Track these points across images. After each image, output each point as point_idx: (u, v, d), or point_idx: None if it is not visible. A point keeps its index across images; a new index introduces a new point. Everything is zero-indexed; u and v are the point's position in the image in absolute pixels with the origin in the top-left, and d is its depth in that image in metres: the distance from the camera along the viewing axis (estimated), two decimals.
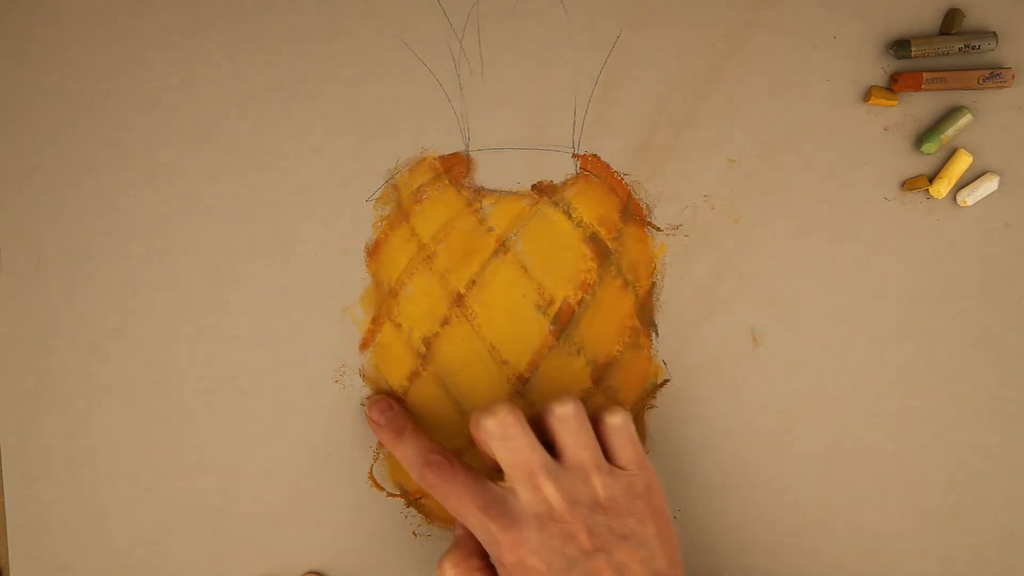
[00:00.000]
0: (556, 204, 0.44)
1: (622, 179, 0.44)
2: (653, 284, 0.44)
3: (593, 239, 0.44)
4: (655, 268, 0.44)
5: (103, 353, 0.44)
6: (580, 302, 0.44)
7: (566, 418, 0.39)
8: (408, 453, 0.41)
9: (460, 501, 0.38)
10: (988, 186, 0.44)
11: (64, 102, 0.44)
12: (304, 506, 0.45)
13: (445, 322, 0.44)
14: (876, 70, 0.44)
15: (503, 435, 0.38)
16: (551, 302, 0.44)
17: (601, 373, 0.44)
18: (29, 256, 0.44)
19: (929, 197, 0.44)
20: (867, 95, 0.44)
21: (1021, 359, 0.45)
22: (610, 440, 0.40)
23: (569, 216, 0.44)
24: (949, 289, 0.44)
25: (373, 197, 0.44)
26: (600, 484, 0.38)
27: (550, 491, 0.38)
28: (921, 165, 0.44)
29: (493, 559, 0.38)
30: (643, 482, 0.39)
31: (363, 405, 0.44)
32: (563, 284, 0.44)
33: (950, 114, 0.44)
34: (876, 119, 0.44)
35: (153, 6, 0.44)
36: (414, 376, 0.44)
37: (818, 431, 0.45)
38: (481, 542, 0.38)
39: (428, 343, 0.44)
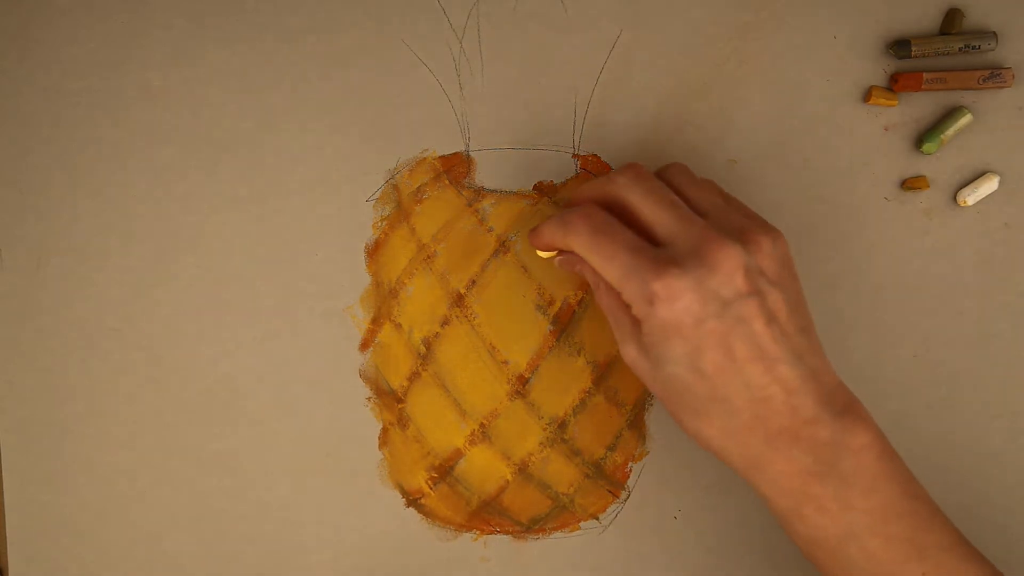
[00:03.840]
0: (556, 204, 0.44)
1: None
2: None
3: None
4: None
5: (103, 353, 0.44)
6: (580, 302, 0.44)
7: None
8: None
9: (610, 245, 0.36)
10: (988, 186, 0.44)
11: (64, 102, 0.44)
12: (304, 506, 0.45)
13: (445, 322, 0.44)
14: (876, 70, 0.44)
15: (638, 179, 0.37)
16: (551, 302, 0.44)
17: (602, 373, 0.44)
18: (29, 256, 0.44)
19: (929, 198, 0.44)
20: (867, 95, 0.44)
21: (1021, 359, 0.45)
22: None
23: None
24: (949, 289, 0.44)
25: (373, 197, 0.44)
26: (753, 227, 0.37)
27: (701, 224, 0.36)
28: (921, 165, 0.44)
29: (637, 310, 0.36)
30: (784, 246, 0.37)
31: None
32: (563, 284, 0.44)
33: (950, 114, 0.44)
34: (876, 119, 0.44)
35: (153, 5, 0.44)
36: (414, 376, 0.44)
37: None
38: (627, 294, 0.36)
39: (428, 343, 0.44)
